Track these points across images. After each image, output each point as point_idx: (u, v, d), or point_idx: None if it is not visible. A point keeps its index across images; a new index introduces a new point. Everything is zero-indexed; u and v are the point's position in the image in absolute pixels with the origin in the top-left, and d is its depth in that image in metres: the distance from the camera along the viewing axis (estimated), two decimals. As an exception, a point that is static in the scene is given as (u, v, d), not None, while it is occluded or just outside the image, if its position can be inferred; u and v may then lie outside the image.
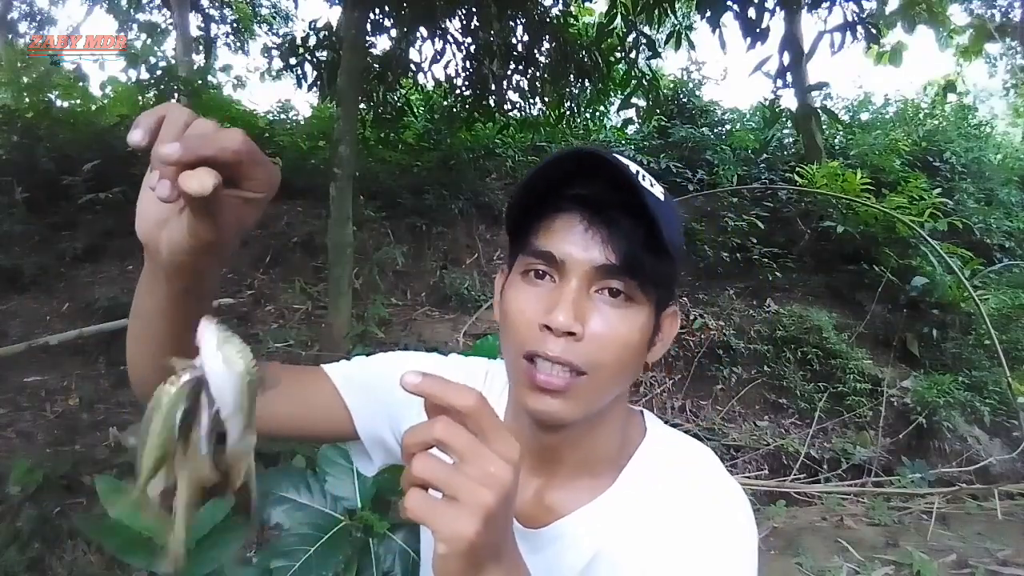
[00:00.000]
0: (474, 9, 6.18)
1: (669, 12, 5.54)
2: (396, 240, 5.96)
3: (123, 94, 7.69)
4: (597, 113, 8.11)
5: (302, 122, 8.65)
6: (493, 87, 6.88)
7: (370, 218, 5.91)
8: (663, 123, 7.97)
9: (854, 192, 6.04)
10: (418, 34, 6.51)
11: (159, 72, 7.29)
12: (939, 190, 6.47)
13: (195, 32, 9.76)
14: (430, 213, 6.26)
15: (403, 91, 7.51)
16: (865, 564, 2.84)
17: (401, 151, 7.66)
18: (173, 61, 8.53)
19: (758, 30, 4.77)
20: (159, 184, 0.41)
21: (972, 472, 4.30)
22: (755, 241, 6.25)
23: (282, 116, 8.72)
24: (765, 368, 5.28)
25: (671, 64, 22.86)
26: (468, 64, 6.77)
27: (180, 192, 0.41)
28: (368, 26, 5.74)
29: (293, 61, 6.55)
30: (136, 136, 0.43)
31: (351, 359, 0.79)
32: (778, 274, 6.06)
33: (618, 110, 7.66)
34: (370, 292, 5.34)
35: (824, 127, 7.27)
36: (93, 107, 7.28)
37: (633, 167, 0.57)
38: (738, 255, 6.25)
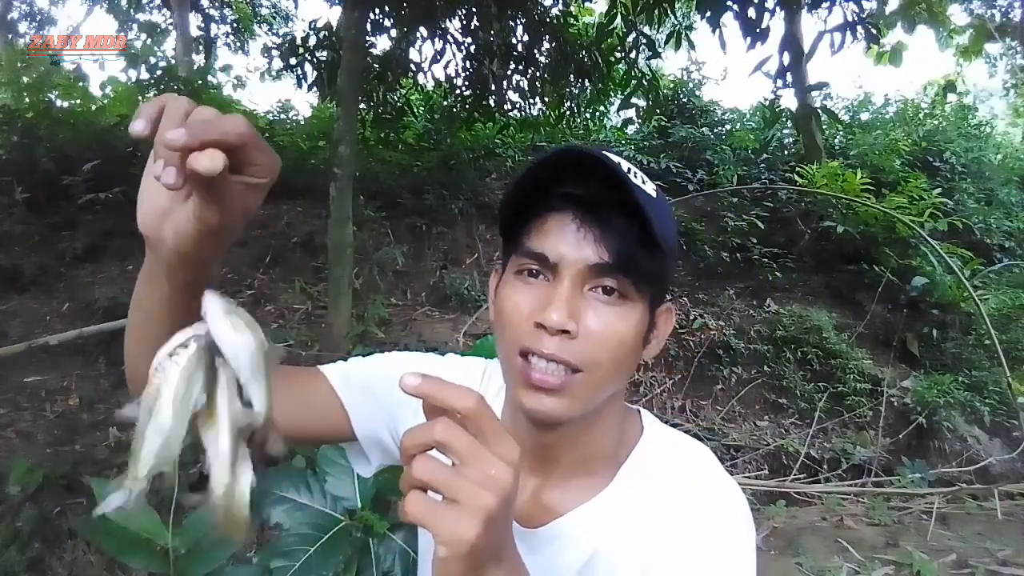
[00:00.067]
0: (474, 9, 6.18)
1: (669, 12, 5.53)
2: (396, 240, 5.96)
3: (123, 94, 7.68)
4: (597, 113, 8.11)
5: (302, 122, 8.65)
6: (493, 87, 6.89)
7: (370, 218, 5.91)
8: (663, 123, 7.97)
9: (854, 192, 6.04)
10: (418, 34, 6.51)
11: (159, 72, 7.29)
12: (939, 190, 6.47)
13: (195, 32, 9.77)
14: (430, 213, 6.26)
15: (403, 91, 7.51)
16: (865, 564, 2.84)
17: (401, 151, 7.66)
18: (173, 61, 8.52)
19: (758, 30, 4.77)
20: (164, 171, 0.41)
21: (972, 472, 4.30)
22: (755, 241, 6.25)
23: (282, 116, 8.72)
24: (765, 368, 5.28)
25: (671, 64, 22.88)
26: (468, 64, 6.77)
27: (187, 177, 0.41)
28: (368, 26, 5.74)
29: (293, 61, 6.56)
30: (139, 126, 0.42)
31: (348, 359, 0.79)
32: (778, 274, 6.06)
33: (618, 110, 7.66)
34: (370, 292, 5.34)
35: (824, 127, 7.26)
36: (93, 107, 7.27)
37: (625, 165, 0.57)
38: (738, 255, 6.25)
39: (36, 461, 3.06)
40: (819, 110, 6.33)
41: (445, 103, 7.68)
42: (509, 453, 0.42)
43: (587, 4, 8.02)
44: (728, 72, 16.64)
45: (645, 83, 6.31)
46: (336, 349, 4.29)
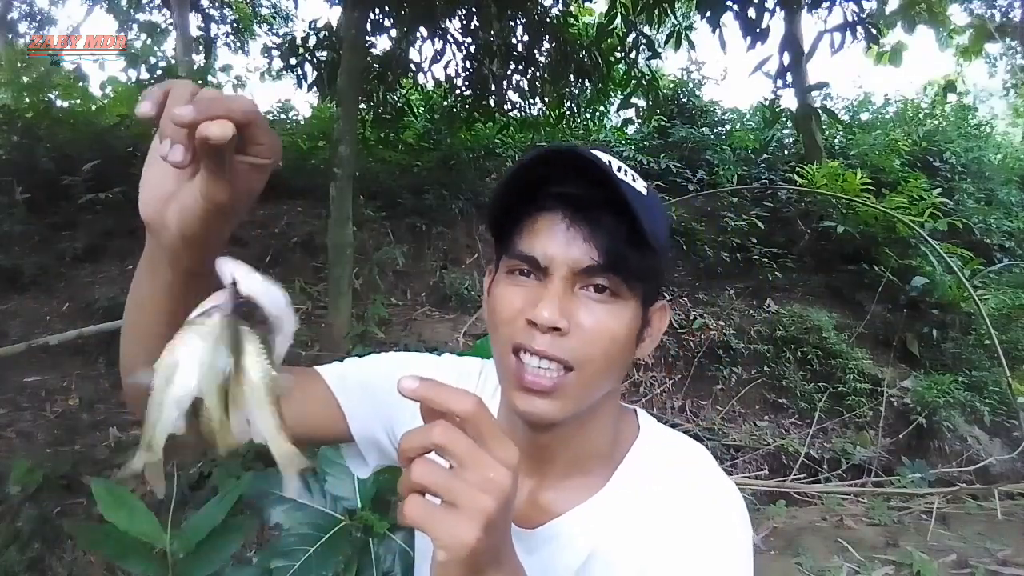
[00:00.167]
0: (474, 9, 6.18)
1: (669, 12, 5.53)
2: (396, 240, 5.97)
3: (123, 94, 7.67)
4: (597, 113, 8.11)
5: (302, 122, 8.66)
6: (493, 87, 6.89)
7: (370, 218, 5.91)
8: (663, 123, 7.97)
9: (854, 192, 6.04)
10: (418, 34, 6.51)
11: (159, 72, 7.30)
12: (939, 190, 6.48)
13: (195, 32, 9.74)
14: (430, 213, 6.26)
15: (403, 91, 7.51)
16: (865, 564, 2.83)
17: (401, 151, 7.66)
18: (173, 61, 8.51)
19: (758, 30, 4.77)
20: (172, 150, 0.41)
21: (972, 472, 4.31)
22: (755, 241, 6.26)
23: (282, 116, 8.72)
24: (765, 368, 5.28)
25: (671, 64, 22.90)
26: (468, 64, 6.77)
27: (194, 154, 0.41)
28: (368, 26, 5.74)
29: (293, 61, 6.56)
30: (145, 107, 0.42)
31: (345, 360, 0.79)
32: (778, 274, 6.06)
33: (618, 110, 7.67)
34: (370, 292, 5.34)
35: (824, 127, 7.27)
36: (93, 107, 7.25)
37: (615, 163, 0.57)
38: (738, 255, 6.25)
39: (36, 461, 3.06)
40: (819, 110, 6.33)
41: (445, 103, 7.68)
42: (508, 456, 0.42)
43: (587, 4, 8.03)
44: (728, 72, 16.73)
45: (645, 83, 6.31)
46: (336, 349, 4.29)
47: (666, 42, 6.52)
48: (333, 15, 8.67)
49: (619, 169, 0.57)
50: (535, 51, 6.62)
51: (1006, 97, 14.03)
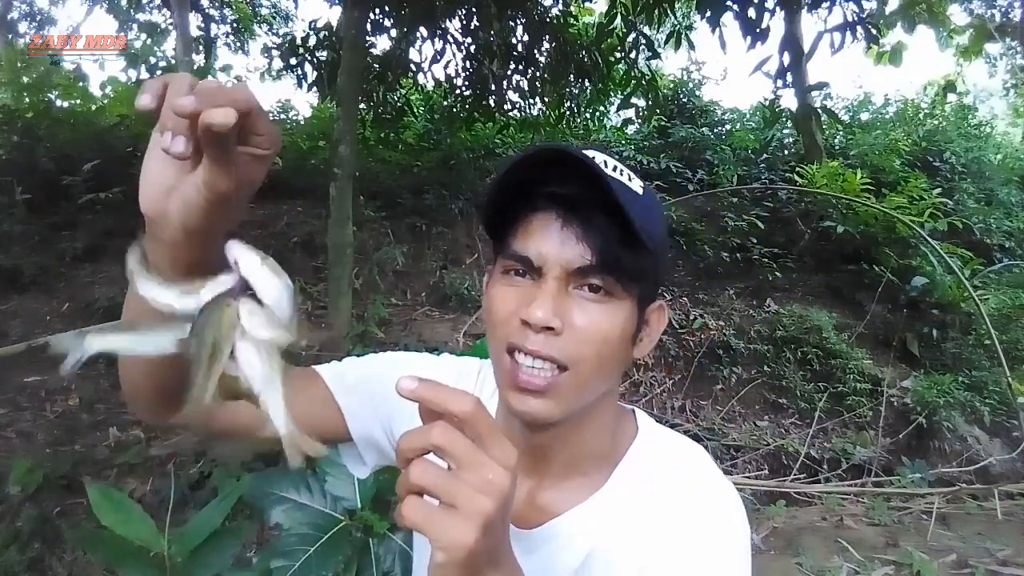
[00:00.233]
0: (474, 9, 6.18)
1: (669, 12, 5.54)
2: (396, 240, 5.96)
3: (123, 94, 7.66)
4: (597, 113, 8.11)
5: (302, 122, 8.65)
6: (493, 87, 6.89)
7: (370, 218, 5.91)
8: (663, 123, 7.97)
9: (854, 192, 6.04)
10: (418, 34, 6.51)
11: (159, 72, 7.30)
12: (939, 190, 6.47)
13: (195, 32, 9.73)
14: (430, 213, 6.26)
15: (403, 91, 7.51)
16: (865, 564, 2.83)
17: (401, 151, 7.66)
18: (173, 61, 8.52)
19: (758, 30, 4.77)
20: (173, 141, 0.41)
21: (972, 472, 4.30)
22: (755, 241, 6.25)
23: (282, 116, 8.72)
24: (765, 368, 5.28)
25: (671, 64, 22.88)
26: (468, 64, 6.77)
27: (196, 145, 0.41)
28: (368, 26, 5.74)
29: (293, 61, 6.56)
30: (145, 99, 0.42)
31: (344, 360, 0.79)
32: (778, 274, 6.06)
33: (618, 110, 7.67)
34: (370, 292, 5.34)
35: (824, 127, 7.27)
36: (93, 107, 7.25)
37: (611, 163, 0.57)
38: (738, 255, 6.25)
39: (36, 461, 3.06)
40: (819, 110, 6.34)
41: (445, 103, 7.69)
42: (506, 457, 0.42)
43: (587, 4, 8.02)
44: (728, 72, 16.70)
45: (645, 83, 6.32)
46: (336, 349, 4.29)
47: (666, 42, 6.52)
48: (333, 15, 8.68)
49: (615, 169, 0.57)
50: (535, 51, 6.62)
51: (1006, 97, 14.03)
